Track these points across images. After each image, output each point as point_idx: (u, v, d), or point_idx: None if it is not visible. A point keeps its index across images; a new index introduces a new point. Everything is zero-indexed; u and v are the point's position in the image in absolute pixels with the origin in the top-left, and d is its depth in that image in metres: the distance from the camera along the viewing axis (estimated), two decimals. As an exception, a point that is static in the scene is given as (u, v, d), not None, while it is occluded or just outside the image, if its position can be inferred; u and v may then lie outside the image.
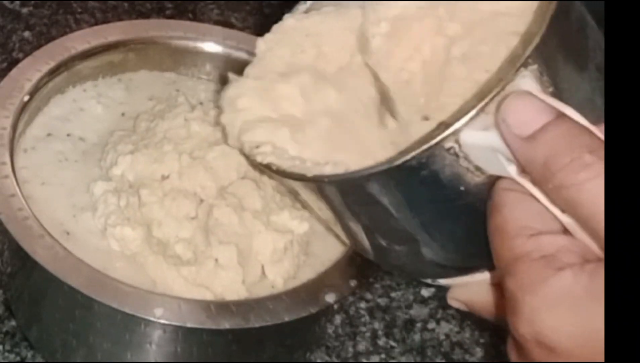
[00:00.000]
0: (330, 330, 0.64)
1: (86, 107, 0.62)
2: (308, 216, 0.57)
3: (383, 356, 0.64)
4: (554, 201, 0.39)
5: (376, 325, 0.66)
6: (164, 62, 0.66)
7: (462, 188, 0.42)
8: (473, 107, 0.40)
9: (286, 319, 0.51)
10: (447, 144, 0.40)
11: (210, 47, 0.66)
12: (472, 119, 0.40)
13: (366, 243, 0.48)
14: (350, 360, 0.63)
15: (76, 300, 0.52)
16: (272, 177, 0.53)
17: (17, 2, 0.83)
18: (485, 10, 0.47)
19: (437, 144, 0.40)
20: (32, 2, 0.83)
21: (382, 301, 0.67)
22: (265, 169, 0.49)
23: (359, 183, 0.43)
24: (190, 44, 0.66)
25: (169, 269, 0.53)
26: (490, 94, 0.40)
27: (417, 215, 0.44)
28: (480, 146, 0.40)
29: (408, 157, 0.41)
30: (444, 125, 0.41)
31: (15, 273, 0.57)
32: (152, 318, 0.50)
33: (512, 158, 0.40)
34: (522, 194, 0.40)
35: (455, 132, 0.40)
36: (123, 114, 0.62)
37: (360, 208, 0.45)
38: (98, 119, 0.62)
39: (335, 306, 0.64)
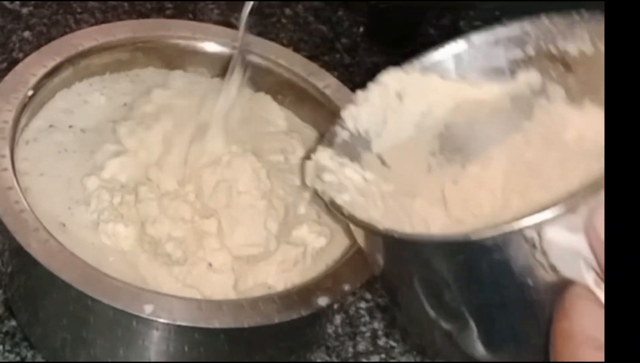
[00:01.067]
0: (330, 330, 0.64)
1: (90, 100, 0.63)
2: (328, 232, 0.57)
3: (383, 356, 0.64)
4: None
5: (376, 325, 0.66)
6: (172, 61, 0.66)
7: (529, 282, 0.40)
8: (563, 203, 0.38)
9: (277, 320, 0.51)
10: (529, 234, 0.39)
11: (218, 48, 0.66)
12: (560, 215, 0.38)
13: (412, 309, 0.47)
14: (350, 360, 0.63)
15: (70, 295, 0.52)
16: (338, 217, 0.53)
17: (17, 2, 0.83)
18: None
19: (518, 230, 0.39)
20: (32, 2, 0.83)
21: (382, 301, 0.67)
22: (336, 211, 0.48)
23: (427, 248, 0.42)
24: (199, 44, 0.66)
25: (160, 267, 0.53)
26: (583, 193, 0.38)
27: (475, 296, 0.42)
28: (562, 245, 0.39)
29: (486, 235, 0.39)
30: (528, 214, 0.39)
31: (15, 272, 0.58)
32: (142, 315, 0.50)
33: (594, 265, 0.39)
34: (594, 303, 0.39)
35: (541, 224, 0.38)
36: (125, 105, 0.63)
37: (419, 271, 0.44)
38: (100, 109, 0.62)
39: (335, 307, 0.64)
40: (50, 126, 0.60)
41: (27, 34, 0.81)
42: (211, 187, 0.56)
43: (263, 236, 0.55)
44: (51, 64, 0.60)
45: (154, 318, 0.50)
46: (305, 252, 0.56)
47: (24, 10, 0.83)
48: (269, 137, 0.61)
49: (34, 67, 0.60)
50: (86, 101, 0.62)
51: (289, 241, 0.56)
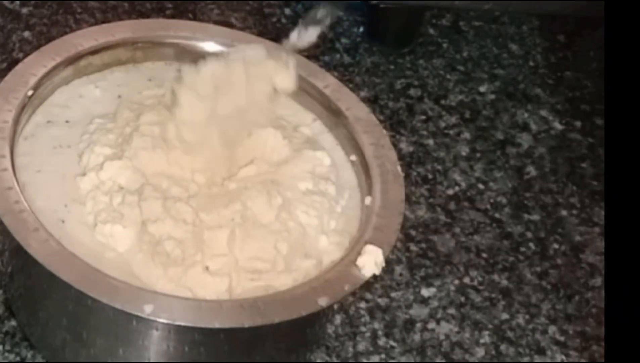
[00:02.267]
0: (330, 330, 0.64)
1: (84, 93, 0.63)
2: (347, 243, 0.57)
3: (383, 356, 0.64)
4: None
5: (376, 325, 0.66)
6: (171, 60, 0.66)
7: None
8: None
9: (277, 320, 0.51)
10: None
11: (217, 48, 0.66)
12: None
13: None
14: (350, 360, 0.63)
15: (70, 295, 0.52)
16: None
17: (17, 2, 0.83)
18: None
19: None
20: (32, 2, 0.83)
21: (382, 301, 0.67)
22: None
23: None
24: (198, 44, 0.66)
25: (155, 267, 0.53)
26: None
27: None
28: None
29: None
30: None
31: (15, 272, 0.58)
32: (142, 315, 0.50)
33: None
34: None
35: None
36: (119, 96, 0.63)
37: None
38: (95, 102, 0.62)
39: (335, 307, 0.64)
40: (48, 121, 0.60)
41: (27, 34, 0.81)
42: (227, 201, 0.56)
43: (272, 255, 0.55)
44: (51, 64, 0.60)
45: (154, 318, 0.50)
46: (321, 265, 0.56)
47: (24, 10, 0.83)
48: (294, 161, 0.61)
49: (34, 67, 0.60)
50: (81, 95, 0.62)
51: (303, 254, 0.56)
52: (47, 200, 0.56)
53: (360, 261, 0.54)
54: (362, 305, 0.67)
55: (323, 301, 0.53)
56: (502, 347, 0.66)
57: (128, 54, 0.64)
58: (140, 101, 0.62)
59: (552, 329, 0.68)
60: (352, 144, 0.62)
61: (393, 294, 0.68)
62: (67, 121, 0.61)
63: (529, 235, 0.74)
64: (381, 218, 0.57)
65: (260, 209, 0.57)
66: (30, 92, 0.59)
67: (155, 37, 0.65)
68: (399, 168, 0.60)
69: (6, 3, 0.83)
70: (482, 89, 0.84)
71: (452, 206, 0.75)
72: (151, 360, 0.54)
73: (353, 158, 0.62)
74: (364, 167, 0.61)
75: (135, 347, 0.53)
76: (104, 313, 0.52)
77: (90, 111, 0.61)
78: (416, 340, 0.65)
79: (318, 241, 0.57)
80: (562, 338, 0.68)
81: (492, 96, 0.84)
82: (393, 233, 0.57)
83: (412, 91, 0.83)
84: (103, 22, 0.80)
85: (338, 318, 0.65)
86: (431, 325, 0.67)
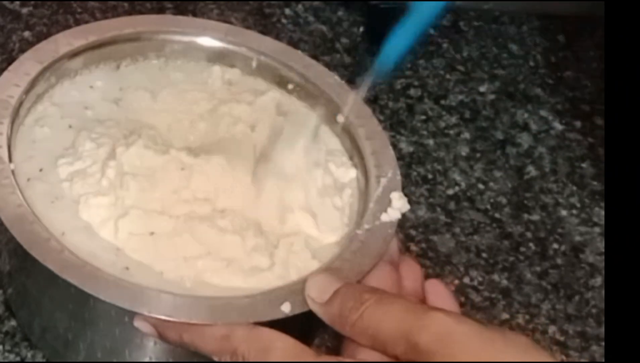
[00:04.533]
0: (330, 330, 0.64)
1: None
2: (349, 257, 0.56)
3: (383, 356, 0.64)
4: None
5: (376, 325, 0.66)
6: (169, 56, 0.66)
7: None
8: None
9: (276, 318, 0.51)
10: None
11: (214, 43, 0.66)
12: None
13: None
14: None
15: (70, 294, 0.52)
16: None
17: (17, 2, 0.83)
18: None
19: None
20: (32, 2, 0.83)
21: (382, 301, 0.67)
22: None
23: None
24: (194, 39, 0.65)
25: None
26: None
27: None
28: None
29: None
30: None
31: (14, 271, 0.58)
32: (143, 313, 0.50)
33: None
34: None
35: None
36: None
37: None
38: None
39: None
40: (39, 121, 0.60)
41: (27, 34, 0.81)
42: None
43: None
44: (38, 67, 0.59)
45: (155, 316, 0.50)
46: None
47: (24, 10, 0.83)
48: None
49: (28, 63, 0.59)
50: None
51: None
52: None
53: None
54: (362, 305, 0.66)
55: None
56: (502, 347, 0.66)
57: (130, 48, 0.64)
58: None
59: (552, 329, 0.68)
60: (353, 146, 0.62)
61: (393, 294, 0.68)
62: (70, 126, 0.60)
63: (529, 235, 0.74)
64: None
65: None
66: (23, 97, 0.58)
67: (159, 32, 0.65)
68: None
69: (6, 3, 0.83)
70: (482, 89, 0.85)
71: (452, 206, 0.75)
72: (151, 359, 0.54)
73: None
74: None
75: (135, 345, 0.53)
76: (105, 311, 0.52)
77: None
78: (416, 340, 0.65)
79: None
80: (562, 338, 0.68)
81: (492, 96, 0.84)
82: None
83: (412, 91, 0.83)
84: (103, 22, 0.80)
85: (338, 318, 0.65)
86: (431, 325, 0.66)
